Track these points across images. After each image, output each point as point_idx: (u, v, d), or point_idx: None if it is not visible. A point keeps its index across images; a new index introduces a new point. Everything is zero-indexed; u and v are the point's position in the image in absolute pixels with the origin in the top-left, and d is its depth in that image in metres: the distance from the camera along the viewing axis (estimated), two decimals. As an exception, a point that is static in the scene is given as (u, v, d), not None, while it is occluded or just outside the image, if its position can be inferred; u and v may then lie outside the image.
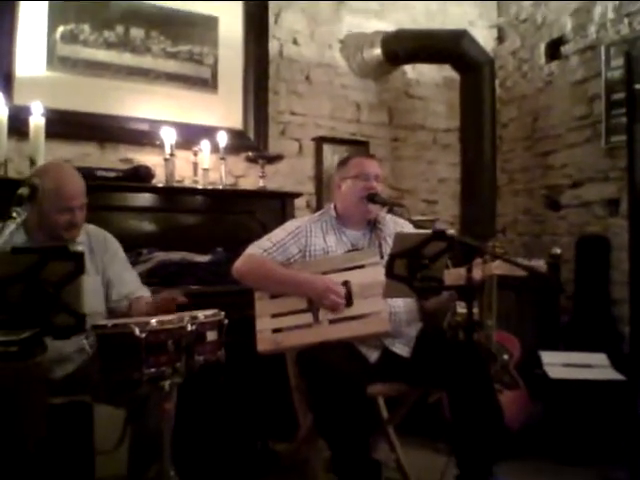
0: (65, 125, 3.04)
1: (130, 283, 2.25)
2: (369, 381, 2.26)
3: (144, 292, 2.28)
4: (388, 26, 4.03)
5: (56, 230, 2.08)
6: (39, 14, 3.05)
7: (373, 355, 2.33)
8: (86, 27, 3.16)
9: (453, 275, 2.02)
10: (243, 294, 2.42)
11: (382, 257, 2.32)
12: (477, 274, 1.98)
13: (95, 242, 2.21)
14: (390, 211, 2.46)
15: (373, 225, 2.48)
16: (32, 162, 2.75)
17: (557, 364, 3.04)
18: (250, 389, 2.88)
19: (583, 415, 2.91)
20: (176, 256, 3.00)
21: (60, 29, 3.10)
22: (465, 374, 2.11)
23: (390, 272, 1.81)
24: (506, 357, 2.97)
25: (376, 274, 2.23)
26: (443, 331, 2.46)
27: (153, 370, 1.63)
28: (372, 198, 2.36)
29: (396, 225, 2.45)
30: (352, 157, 2.56)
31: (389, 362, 2.34)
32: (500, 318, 2.69)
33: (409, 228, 2.48)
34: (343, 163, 2.52)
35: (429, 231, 1.81)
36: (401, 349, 2.36)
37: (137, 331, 1.57)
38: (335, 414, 2.12)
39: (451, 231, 1.83)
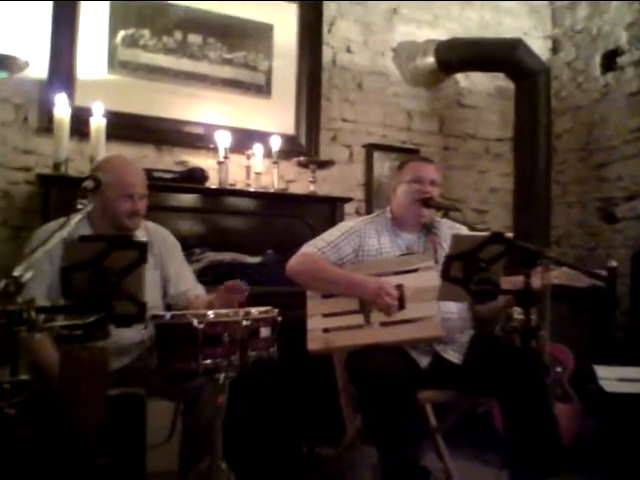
0: (124, 127, 3.13)
1: (187, 280, 2.29)
2: (419, 387, 2.24)
3: (200, 290, 2.31)
4: (441, 36, 4.02)
5: (118, 218, 2.13)
6: (100, 18, 3.15)
7: (424, 360, 2.30)
8: (146, 32, 3.25)
9: (509, 282, 1.98)
10: (293, 295, 2.42)
11: (437, 262, 2.30)
12: (535, 283, 1.93)
13: (155, 238, 2.25)
14: (445, 215, 2.44)
15: (428, 229, 2.46)
16: (92, 162, 2.83)
17: (612, 378, 2.94)
18: (298, 391, 2.88)
19: (638, 431, 2.81)
20: (227, 257, 3.05)
21: (121, 33, 3.20)
22: (521, 382, 2.05)
23: (446, 274, 1.79)
24: (559, 369, 2.90)
25: (430, 279, 2.21)
26: (496, 338, 2.41)
27: (209, 362, 1.64)
28: (426, 202, 2.34)
29: (451, 229, 2.42)
30: (409, 161, 2.55)
31: (440, 368, 2.30)
32: (554, 330, 2.63)
33: (466, 232, 2.45)
34: (400, 167, 2.52)
35: (487, 233, 1.78)
36: (453, 355, 2.33)
37: (195, 322, 1.60)
38: (385, 419, 2.09)
39: (509, 234, 1.80)
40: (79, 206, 1.61)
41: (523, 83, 3.81)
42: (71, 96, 2.96)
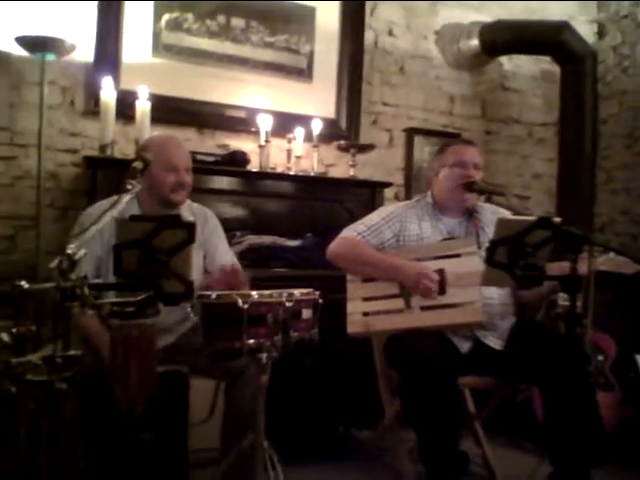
0: (167, 110, 3.15)
1: (225, 255, 2.31)
2: (459, 372, 2.24)
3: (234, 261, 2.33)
4: (485, 18, 3.93)
5: (164, 192, 2.16)
6: (145, 1, 3.18)
7: (465, 346, 2.30)
8: (190, 16, 3.26)
9: (554, 268, 1.95)
10: (332, 279, 2.43)
11: (479, 247, 2.28)
12: (582, 268, 1.91)
13: (197, 218, 2.28)
14: (489, 200, 2.41)
15: (470, 214, 2.43)
16: (137, 145, 2.88)
17: (655, 368, 2.89)
18: (336, 373, 2.90)
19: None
20: (267, 240, 3.07)
21: (165, 17, 3.22)
22: (564, 370, 2.03)
23: (491, 259, 1.77)
24: (601, 358, 2.85)
25: (472, 264, 2.20)
26: (540, 325, 2.38)
27: (253, 341, 1.66)
28: (469, 186, 2.32)
29: (494, 214, 2.38)
30: (450, 144, 2.51)
31: (481, 354, 2.29)
32: (597, 318, 2.58)
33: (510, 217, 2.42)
34: (441, 150, 2.49)
35: (534, 218, 1.76)
36: (494, 342, 2.31)
37: (240, 302, 1.62)
38: (425, 403, 2.10)
39: (557, 219, 1.77)
40: (128, 186, 1.64)
41: (569, 67, 3.72)
42: (116, 79, 3.00)
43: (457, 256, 2.27)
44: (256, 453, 1.82)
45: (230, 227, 3.01)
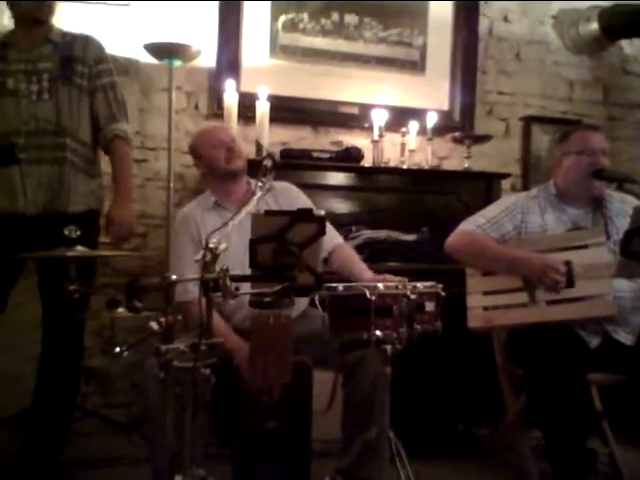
0: (283, 110, 3.25)
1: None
2: (589, 368, 2.16)
3: (339, 239, 2.37)
4: (603, 2, 3.76)
5: (220, 166, 2.26)
6: (262, 4, 3.29)
7: (593, 341, 2.21)
8: (305, 16, 3.34)
9: None
10: (450, 273, 2.41)
11: (608, 237, 2.19)
12: None
13: (281, 193, 2.31)
14: (620, 188, 2.30)
15: (597, 203, 2.34)
16: (258, 145, 3.00)
17: None
18: (455, 369, 2.88)
19: None
20: (382, 234, 3.09)
21: (282, 18, 3.32)
22: None
23: (626, 250, 1.70)
24: None
25: (601, 255, 2.12)
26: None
27: (379, 333, 1.69)
28: (599, 174, 2.23)
29: (624, 203, 2.28)
30: (575, 130, 2.42)
31: (610, 350, 2.21)
32: None
33: (642, 206, 2.30)
34: (565, 137, 2.40)
35: (674, 206, 1.67)
36: (624, 337, 2.22)
37: (368, 293, 1.65)
38: (553, 400, 2.05)
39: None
40: (260, 184, 1.72)
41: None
42: (237, 82, 3.13)
43: (584, 247, 2.19)
44: (381, 444, 1.85)
45: (345, 222, 3.07)
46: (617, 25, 3.65)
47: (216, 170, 2.30)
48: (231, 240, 1.88)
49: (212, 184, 2.35)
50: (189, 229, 2.24)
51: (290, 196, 2.35)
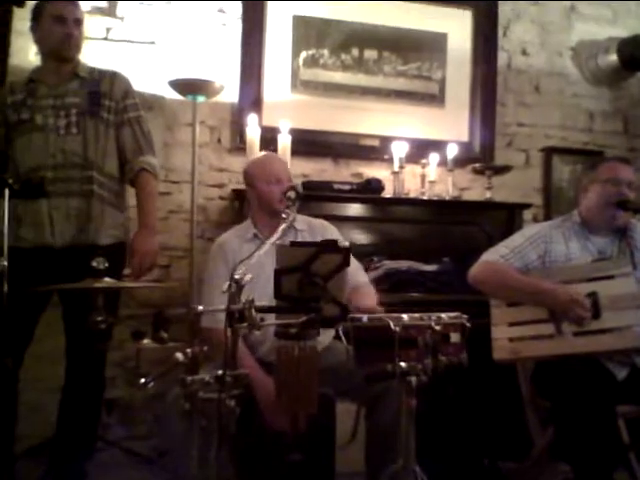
0: (305, 143, 3.29)
1: (356, 273, 2.31)
2: (616, 401, 2.12)
3: (363, 278, 2.36)
4: (620, 33, 3.82)
5: (272, 204, 2.24)
6: (283, 41, 3.36)
7: (621, 373, 2.18)
8: (325, 51, 3.41)
9: None
10: (473, 304, 2.38)
11: (634, 267, 2.16)
12: None
13: (316, 230, 2.34)
14: (643, 219, 2.29)
15: (622, 233, 2.32)
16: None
17: None
18: (480, 401, 2.84)
19: None
20: (404, 265, 3.08)
21: (302, 54, 3.39)
22: None
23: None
24: None
25: (628, 285, 2.10)
26: None
27: (404, 364, 1.68)
28: (623, 205, 2.22)
29: (648, 233, 2.27)
30: (604, 160, 2.44)
31: (638, 381, 2.17)
32: None
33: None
34: (593, 166, 2.40)
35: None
36: (653, 369, 2.18)
37: (392, 325, 1.65)
38: (581, 433, 2.01)
39: None
40: (283, 215, 1.74)
41: None
42: (259, 116, 3.19)
43: (610, 277, 2.17)
44: (407, 478, 1.82)
45: (366, 253, 3.08)
46: (636, 56, 3.67)
47: (266, 206, 2.30)
48: (265, 271, 1.90)
49: (256, 215, 2.34)
50: (224, 257, 2.24)
51: (325, 233, 2.34)
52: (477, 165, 3.47)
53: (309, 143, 3.34)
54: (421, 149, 3.42)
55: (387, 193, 3.32)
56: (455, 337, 1.84)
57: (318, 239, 2.28)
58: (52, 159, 2.34)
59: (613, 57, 3.74)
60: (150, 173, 2.45)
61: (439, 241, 3.33)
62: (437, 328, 1.76)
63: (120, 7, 3.20)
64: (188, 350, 1.47)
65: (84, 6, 2.54)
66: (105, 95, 2.41)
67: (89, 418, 2.43)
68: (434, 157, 3.35)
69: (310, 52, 3.39)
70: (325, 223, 2.43)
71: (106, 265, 1.63)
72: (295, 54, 3.37)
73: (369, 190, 3.23)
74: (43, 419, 2.57)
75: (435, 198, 3.36)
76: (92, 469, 2.46)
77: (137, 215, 2.47)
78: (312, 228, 2.35)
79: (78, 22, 2.40)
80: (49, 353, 2.58)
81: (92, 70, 2.47)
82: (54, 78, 2.41)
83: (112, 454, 2.85)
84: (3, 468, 2.14)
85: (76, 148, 2.35)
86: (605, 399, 2.02)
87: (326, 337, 2.22)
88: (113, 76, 2.46)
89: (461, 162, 3.50)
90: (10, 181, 1.77)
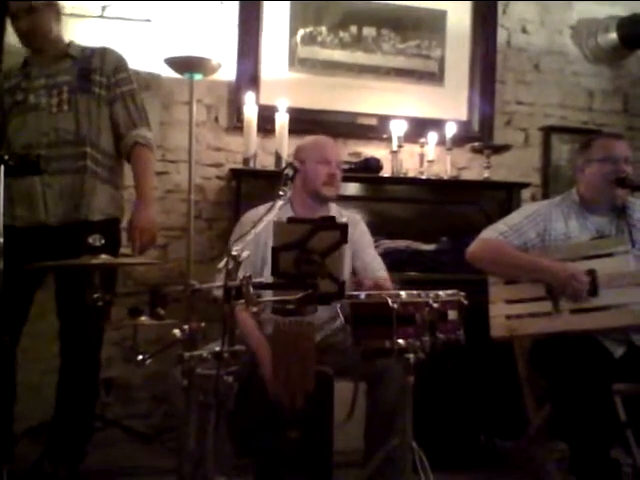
0: (302, 122, 3.24)
1: (373, 262, 2.35)
2: (613, 378, 2.13)
3: (383, 273, 2.37)
4: (621, 11, 3.77)
5: (317, 186, 2.26)
6: (281, 18, 3.32)
7: (618, 350, 2.18)
8: (323, 29, 3.37)
9: None
10: (471, 283, 2.38)
11: (633, 245, 2.16)
12: None
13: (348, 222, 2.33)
14: (643, 196, 2.28)
15: (620, 211, 2.31)
16: (277, 156, 3.02)
17: None
18: (477, 379, 2.85)
19: None
20: (402, 244, 3.09)
21: (300, 32, 3.35)
22: None
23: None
24: None
25: (626, 263, 2.10)
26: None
27: (402, 341, 1.69)
28: (622, 182, 2.21)
29: (646, 210, 2.26)
30: (597, 138, 2.40)
31: (635, 359, 2.18)
32: None
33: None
34: (587, 145, 2.37)
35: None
36: (650, 347, 2.19)
37: (390, 301, 1.65)
38: (579, 412, 2.02)
39: None
40: (280, 193, 1.73)
41: None
42: (257, 95, 3.16)
43: (609, 255, 2.16)
44: (404, 454, 1.84)
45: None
46: (636, 34, 3.65)
47: (309, 186, 2.30)
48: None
49: (298, 194, 2.32)
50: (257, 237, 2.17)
51: (353, 229, 2.32)
52: (476, 144, 3.45)
53: (307, 122, 3.29)
54: (420, 128, 3.39)
55: (385, 172, 3.30)
56: (452, 314, 1.85)
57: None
58: (45, 137, 2.33)
59: (613, 35, 3.72)
60: (144, 146, 2.41)
61: (437, 220, 3.32)
62: (435, 305, 1.77)
63: (115, -16, 3.16)
64: (185, 327, 1.47)
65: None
66: (95, 71, 2.39)
67: (87, 398, 2.43)
68: (432, 136, 3.33)
69: (308, 30, 3.35)
70: (357, 218, 2.46)
71: (102, 242, 1.62)
72: (293, 32, 3.34)
73: (367, 169, 3.22)
74: (42, 400, 2.58)
75: (433, 177, 3.35)
76: (91, 448, 2.48)
77: (135, 191, 2.44)
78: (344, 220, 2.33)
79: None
80: (45, 333, 2.58)
81: (84, 49, 2.46)
82: (47, 59, 2.41)
83: (111, 433, 2.87)
84: (3, 448, 2.15)
85: (68, 125, 2.34)
86: (602, 377, 2.03)
87: (327, 312, 2.22)
88: (103, 52, 2.45)
89: (460, 141, 3.47)
90: (6, 157, 1.74)
